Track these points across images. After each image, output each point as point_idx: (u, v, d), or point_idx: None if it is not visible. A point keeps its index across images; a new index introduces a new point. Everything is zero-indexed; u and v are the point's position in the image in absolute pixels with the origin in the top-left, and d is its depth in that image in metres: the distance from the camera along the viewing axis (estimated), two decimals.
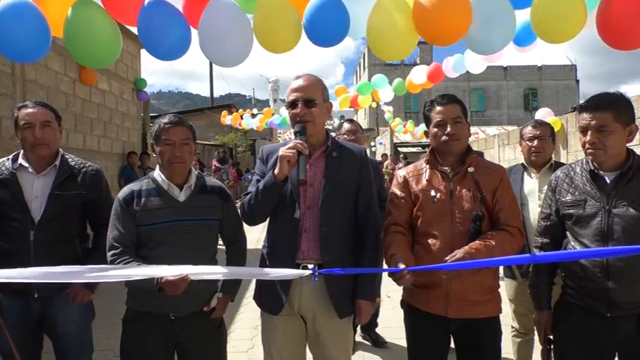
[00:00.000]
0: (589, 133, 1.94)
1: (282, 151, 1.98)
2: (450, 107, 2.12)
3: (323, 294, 2.09)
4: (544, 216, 2.22)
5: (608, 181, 1.97)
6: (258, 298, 2.24)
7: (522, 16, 2.89)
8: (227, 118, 16.34)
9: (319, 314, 2.12)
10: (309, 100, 2.09)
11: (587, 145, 1.96)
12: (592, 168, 2.01)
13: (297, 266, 2.05)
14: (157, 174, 2.21)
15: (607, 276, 1.90)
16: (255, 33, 2.59)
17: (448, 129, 2.10)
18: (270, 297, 2.13)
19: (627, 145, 1.98)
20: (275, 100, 71.33)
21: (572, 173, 2.10)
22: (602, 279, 1.91)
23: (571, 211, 2.04)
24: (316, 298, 2.10)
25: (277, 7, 2.55)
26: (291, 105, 2.12)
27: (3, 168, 2.37)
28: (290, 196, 2.09)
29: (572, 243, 2.04)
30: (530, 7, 2.52)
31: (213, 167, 14.91)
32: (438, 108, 2.14)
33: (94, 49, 2.55)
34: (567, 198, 2.07)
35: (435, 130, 2.14)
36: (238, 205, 2.40)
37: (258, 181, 2.16)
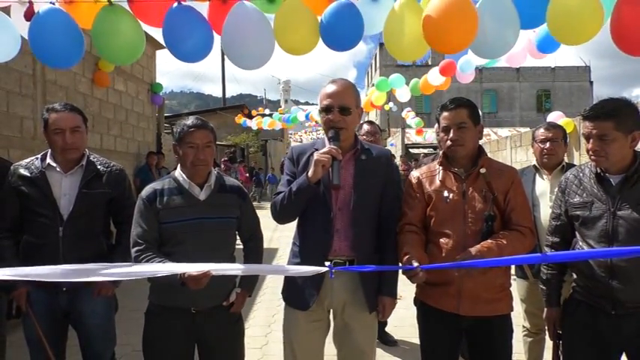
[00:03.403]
0: (591, 141, 1.99)
1: (317, 156, 2.04)
2: (454, 113, 2.16)
3: (355, 287, 2.17)
4: (554, 216, 2.27)
5: (614, 184, 2.01)
6: (287, 294, 2.30)
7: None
8: (248, 120, 16.48)
9: (349, 305, 2.20)
10: (345, 107, 2.14)
11: (590, 152, 2.01)
12: (598, 171, 2.06)
13: (329, 262, 2.11)
14: (179, 173, 2.27)
15: (611, 275, 1.95)
16: (276, 34, 2.67)
17: (451, 134, 2.16)
18: (300, 294, 2.20)
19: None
20: (286, 101, 71.38)
21: (581, 175, 2.15)
22: (607, 278, 1.96)
23: (578, 212, 2.08)
24: (348, 291, 2.18)
25: (297, 9, 2.63)
26: (326, 110, 2.16)
27: (32, 167, 2.47)
28: (322, 197, 2.15)
29: (580, 243, 2.09)
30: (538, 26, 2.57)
31: (223, 167, 15.06)
32: (445, 113, 2.19)
33: (119, 47, 2.65)
34: (575, 199, 2.11)
35: (442, 134, 2.21)
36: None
37: (288, 181, 2.23)
